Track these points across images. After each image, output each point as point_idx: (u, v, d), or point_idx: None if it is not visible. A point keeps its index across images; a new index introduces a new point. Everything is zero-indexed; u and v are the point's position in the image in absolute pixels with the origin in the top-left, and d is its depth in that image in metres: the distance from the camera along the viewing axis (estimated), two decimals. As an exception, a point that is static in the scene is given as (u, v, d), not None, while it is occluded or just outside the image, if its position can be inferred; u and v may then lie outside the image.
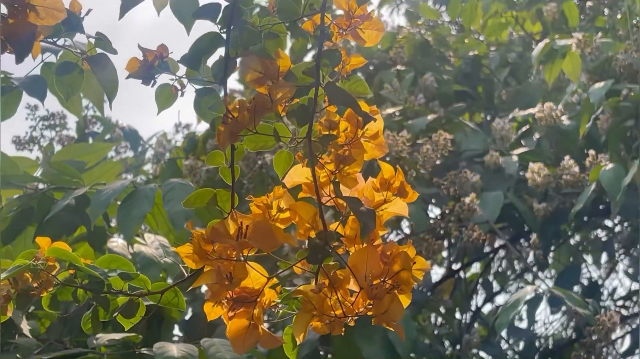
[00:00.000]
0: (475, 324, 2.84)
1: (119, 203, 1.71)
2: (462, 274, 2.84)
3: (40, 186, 1.90)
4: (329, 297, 0.81)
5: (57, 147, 3.10)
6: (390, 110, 2.50)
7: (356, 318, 0.82)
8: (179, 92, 0.86)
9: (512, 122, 2.61)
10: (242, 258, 0.79)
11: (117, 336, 1.44)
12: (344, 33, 0.83)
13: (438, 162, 2.09)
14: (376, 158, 0.85)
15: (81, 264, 0.82)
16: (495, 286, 3.09)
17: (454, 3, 3.26)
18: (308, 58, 2.98)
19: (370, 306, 0.81)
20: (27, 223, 1.77)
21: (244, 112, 0.79)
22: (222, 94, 0.83)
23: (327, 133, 0.81)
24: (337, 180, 0.81)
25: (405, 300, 0.82)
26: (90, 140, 2.94)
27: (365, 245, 0.81)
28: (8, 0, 0.73)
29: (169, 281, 1.92)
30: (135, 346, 1.47)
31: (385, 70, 2.93)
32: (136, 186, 1.63)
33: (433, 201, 2.46)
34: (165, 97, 0.87)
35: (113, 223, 1.94)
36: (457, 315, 2.77)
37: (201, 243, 0.79)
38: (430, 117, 2.48)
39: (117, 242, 1.80)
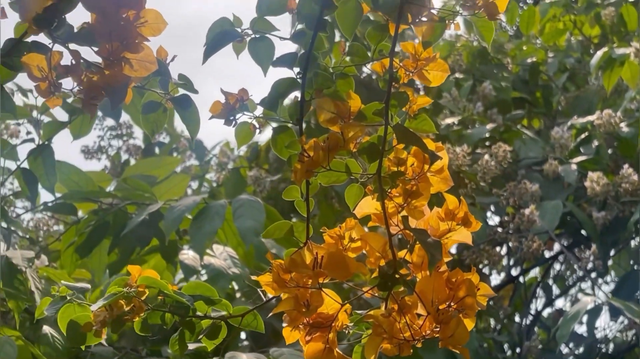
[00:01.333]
0: (535, 328, 2.87)
1: (189, 216, 1.80)
2: (521, 279, 2.87)
3: (111, 197, 1.99)
4: (397, 321, 0.87)
5: (124, 156, 3.21)
6: (449, 120, 2.55)
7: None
8: (257, 130, 0.93)
9: (571, 130, 2.64)
10: (317, 286, 0.85)
11: (191, 345, 1.52)
12: (411, 74, 0.89)
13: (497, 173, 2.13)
14: (441, 191, 0.90)
15: (169, 291, 0.89)
16: (555, 290, 3.11)
17: (511, 10, 3.28)
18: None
19: (437, 330, 0.87)
20: (102, 237, 1.86)
21: (319, 151, 0.85)
22: (297, 133, 0.89)
23: (395, 169, 0.87)
24: (405, 213, 0.87)
25: (469, 324, 0.88)
26: (157, 150, 3.04)
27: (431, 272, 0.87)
28: (105, 54, 0.80)
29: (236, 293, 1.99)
30: (207, 354, 1.55)
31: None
32: (207, 202, 1.70)
33: (492, 209, 2.50)
34: (245, 134, 0.94)
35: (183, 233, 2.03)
36: (517, 318, 2.80)
37: (280, 273, 0.85)
38: (489, 126, 2.52)
39: (187, 254, 1.88)
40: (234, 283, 1.96)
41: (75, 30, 0.82)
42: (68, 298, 0.89)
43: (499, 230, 2.22)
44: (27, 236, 2.28)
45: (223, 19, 0.92)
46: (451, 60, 3.04)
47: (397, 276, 0.87)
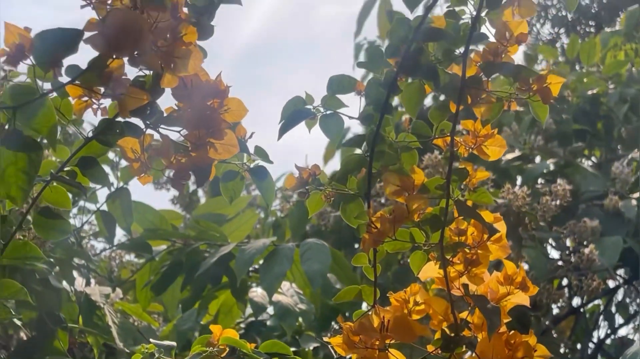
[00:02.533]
0: (599, 357, 2.88)
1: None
2: (582, 309, 2.89)
3: (184, 237, 2.09)
4: (460, 379, 0.94)
5: (192, 186, 3.32)
6: (510, 156, 2.59)
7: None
8: (329, 200, 1.00)
9: (631, 164, 2.66)
10: (384, 348, 0.93)
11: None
12: (471, 149, 0.96)
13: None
14: (501, 258, 0.97)
15: (248, 350, 0.97)
16: (619, 319, 3.12)
17: (572, 41, 3.32)
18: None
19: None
20: (176, 275, 1.95)
21: (385, 222, 0.92)
22: (365, 205, 0.97)
23: (456, 239, 0.93)
24: (466, 280, 0.94)
25: (528, 380, 0.94)
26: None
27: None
28: (192, 139, 0.88)
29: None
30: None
31: (505, 111, 3.01)
32: (276, 245, 1.78)
33: (553, 244, 2.54)
34: (316, 204, 1.02)
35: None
36: (579, 347, 2.82)
37: (349, 335, 0.93)
38: (549, 161, 2.56)
39: (257, 292, 1.96)
40: (301, 319, 2.03)
41: (165, 115, 0.91)
42: (156, 355, 0.97)
43: (560, 264, 2.26)
44: (104, 274, 2.39)
45: (297, 97, 1.00)
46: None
47: (459, 338, 0.94)
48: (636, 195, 2.51)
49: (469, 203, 0.95)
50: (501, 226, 0.95)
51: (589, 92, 3.16)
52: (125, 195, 1.90)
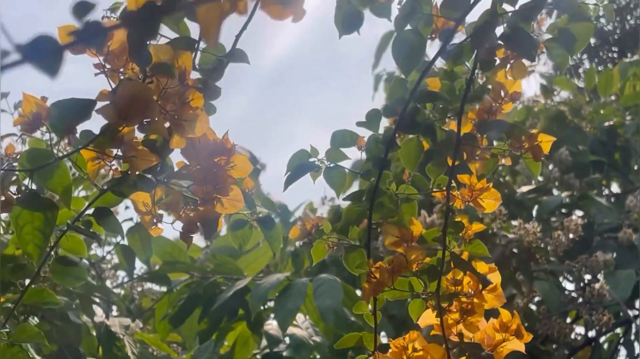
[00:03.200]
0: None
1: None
2: (598, 341, 2.91)
3: (201, 270, 2.14)
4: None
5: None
6: (525, 189, 2.62)
7: None
8: (331, 249, 1.05)
9: (646, 196, 2.69)
10: (383, 393, 0.97)
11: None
12: (467, 202, 1.00)
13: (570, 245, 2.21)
14: (496, 307, 1.01)
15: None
16: (638, 348, 3.12)
17: (589, 73, 3.35)
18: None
19: None
20: (194, 308, 2.01)
21: (385, 273, 0.97)
22: (366, 255, 1.01)
23: (453, 289, 0.98)
24: (461, 329, 0.98)
25: None
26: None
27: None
28: (201, 195, 0.93)
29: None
30: None
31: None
32: (290, 280, 1.83)
33: (566, 275, 2.56)
34: (320, 252, 1.06)
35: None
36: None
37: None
38: (564, 193, 2.59)
39: (272, 324, 2.01)
40: (315, 352, 2.08)
41: (175, 170, 0.96)
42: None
43: (573, 296, 2.29)
44: (125, 305, 2.44)
45: (302, 151, 1.05)
46: (528, 123, 3.12)
47: (455, 383, 0.98)
48: (650, 228, 2.54)
49: (465, 254, 0.99)
50: (496, 277, 0.99)
51: (606, 123, 3.19)
52: (144, 230, 1.95)
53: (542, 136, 0.96)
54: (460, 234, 0.99)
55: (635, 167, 3.16)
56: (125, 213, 2.35)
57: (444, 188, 0.99)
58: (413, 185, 1.02)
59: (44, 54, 0.39)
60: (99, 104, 0.79)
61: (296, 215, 3.26)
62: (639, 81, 3.51)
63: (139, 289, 2.84)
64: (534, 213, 2.75)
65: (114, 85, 0.84)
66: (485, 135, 0.98)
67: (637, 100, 3.40)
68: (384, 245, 0.99)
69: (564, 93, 3.45)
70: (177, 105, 0.85)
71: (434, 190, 1.01)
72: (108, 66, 0.83)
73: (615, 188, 3.26)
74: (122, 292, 2.78)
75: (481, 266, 0.97)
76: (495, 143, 1.01)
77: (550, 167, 2.92)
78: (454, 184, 0.98)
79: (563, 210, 2.75)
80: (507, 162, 0.99)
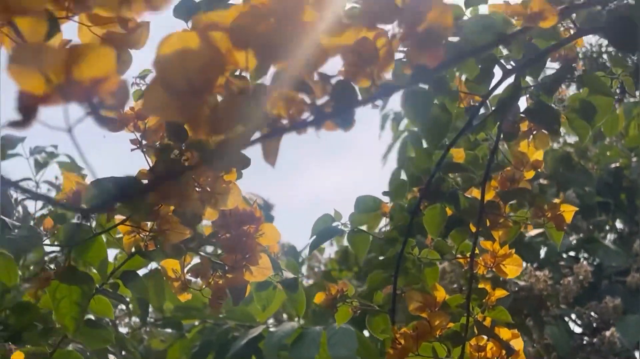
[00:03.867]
0: None
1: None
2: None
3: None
4: None
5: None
6: (532, 232, 2.64)
7: None
8: (356, 312, 1.07)
9: (654, 239, 2.70)
10: None
11: None
12: (490, 268, 1.02)
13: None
14: (517, 370, 1.02)
15: None
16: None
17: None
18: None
19: None
20: (206, 354, 2.01)
21: (409, 339, 0.98)
22: (390, 321, 1.03)
23: (476, 354, 0.99)
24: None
25: None
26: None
27: None
28: (230, 263, 0.95)
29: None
30: None
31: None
32: (303, 329, 1.84)
33: (575, 319, 2.57)
34: (344, 315, 1.08)
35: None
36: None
37: None
38: (572, 237, 2.61)
39: (285, 371, 2.02)
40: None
41: (205, 237, 0.98)
42: None
43: (584, 341, 2.30)
44: (135, 347, 2.45)
45: (326, 215, 1.08)
46: (535, 165, 3.14)
47: None
48: (658, 272, 2.55)
49: (488, 320, 1.01)
50: (518, 343, 1.01)
51: (612, 165, 3.21)
52: (158, 277, 1.96)
53: (565, 206, 0.98)
54: (484, 300, 1.01)
55: (641, 208, 3.17)
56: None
57: (467, 254, 1.00)
58: (436, 250, 1.04)
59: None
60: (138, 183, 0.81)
61: (303, 255, 3.28)
62: (643, 121, 3.53)
63: (147, 329, 2.85)
64: (542, 254, 2.76)
65: (149, 159, 0.86)
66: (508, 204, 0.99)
67: (641, 141, 3.43)
68: (402, 311, 1.00)
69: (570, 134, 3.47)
70: (210, 179, 0.87)
71: (458, 256, 1.03)
72: (144, 142, 0.85)
73: (619, 225, 3.28)
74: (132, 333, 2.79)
75: (504, 333, 0.99)
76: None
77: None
78: (476, 251, 1.00)
79: (571, 253, 2.77)
80: (530, 229, 1.01)
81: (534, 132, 0.98)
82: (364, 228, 1.08)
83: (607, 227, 3.16)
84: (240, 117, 0.39)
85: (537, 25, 0.51)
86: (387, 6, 0.44)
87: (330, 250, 3.26)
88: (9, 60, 0.34)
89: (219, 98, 0.40)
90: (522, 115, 0.95)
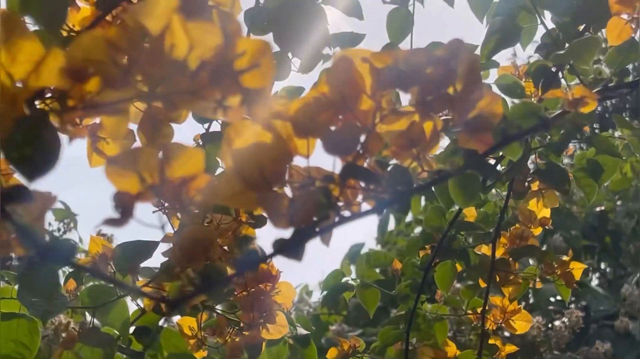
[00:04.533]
0: None
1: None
2: None
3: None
4: None
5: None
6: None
7: None
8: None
9: (641, 283, 2.74)
10: None
11: None
12: (499, 323, 1.04)
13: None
14: None
15: None
16: None
17: (579, 156, 3.42)
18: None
19: None
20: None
21: (422, 395, 1.00)
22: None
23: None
24: None
25: None
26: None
27: None
28: (247, 321, 0.97)
29: None
30: None
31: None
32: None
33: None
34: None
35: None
36: None
37: None
38: (560, 281, 2.64)
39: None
40: None
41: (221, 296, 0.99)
42: None
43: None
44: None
45: (337, 271, 1.09)
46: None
47: None
48: (646, 316, 2.58)
49: (499, 375, 1.03)
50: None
51: (597, 209, 3.25)
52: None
53: (574, 263, 1.01)
54: (495, 356, 1.03)
55: (625, 251, 3.21)
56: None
57: (477, 310, 1.02)
58: (446, 305, 1.06)
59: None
60: (163, 246, 0.83)
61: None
62: (626, 163, 3.58)
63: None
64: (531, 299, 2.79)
65: (169, 221, 0.88)
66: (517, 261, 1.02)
67: (626, 185, 3.47)
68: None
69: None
70: (230, 239, 0.88)
71: (468, 312, 1.04)
72: (166, 204, 0.87)
73: (604, 267, 3.31)
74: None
75: (515, 388, 1.01)
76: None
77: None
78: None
79: (558, 297, 2.79)
80: (538, 286, 1.03)
81: (544, 191, 1.01)
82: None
83: (591, 269, 3.20)
84: (316, 208, 0.41)
85: (577, 110, 0.53)
86: (441, 96, 0.46)
87: (318, 293, 3.27)
88: (108, 162, 0.36)
89: (287, 189, 0.42)
90: (533, 175, 0.97)
